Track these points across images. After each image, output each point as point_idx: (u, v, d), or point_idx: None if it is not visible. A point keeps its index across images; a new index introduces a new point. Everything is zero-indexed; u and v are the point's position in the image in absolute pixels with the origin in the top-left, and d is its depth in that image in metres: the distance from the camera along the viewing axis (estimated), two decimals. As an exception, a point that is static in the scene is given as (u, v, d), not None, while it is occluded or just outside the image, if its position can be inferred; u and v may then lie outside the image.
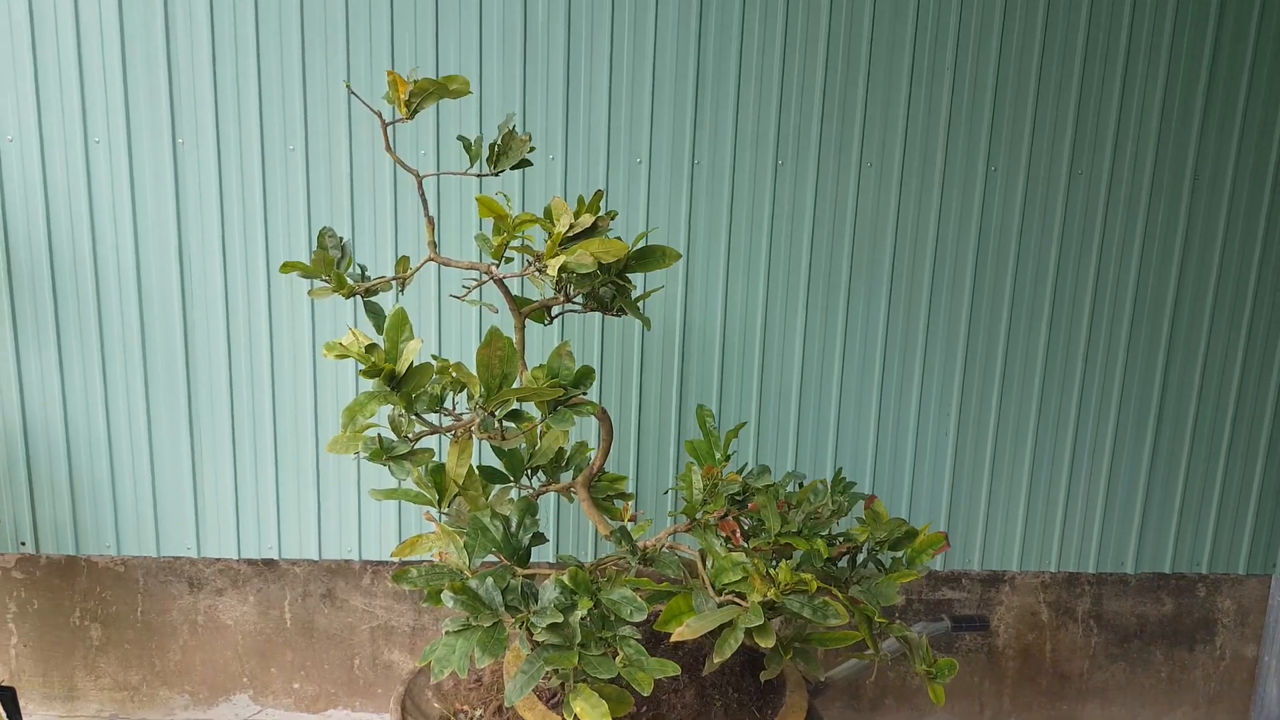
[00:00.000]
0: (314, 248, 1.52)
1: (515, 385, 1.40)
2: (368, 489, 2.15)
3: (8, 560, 2.24)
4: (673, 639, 1.26)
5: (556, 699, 1.47)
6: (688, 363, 2.12)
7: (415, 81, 1.42)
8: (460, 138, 1.52)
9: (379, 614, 2.30)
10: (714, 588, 1.31)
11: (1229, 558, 2.26)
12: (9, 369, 2.06)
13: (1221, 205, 2.09)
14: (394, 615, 2.30)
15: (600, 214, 1.45)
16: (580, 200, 1.46)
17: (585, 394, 1.44)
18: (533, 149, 1.54)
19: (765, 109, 2.01)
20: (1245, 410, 2.20)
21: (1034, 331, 2.14)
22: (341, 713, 2.35)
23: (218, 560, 2.25)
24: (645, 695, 1.40)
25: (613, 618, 1.28)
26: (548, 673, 1.29)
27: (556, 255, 1.40)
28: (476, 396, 1.36)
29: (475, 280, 1.53)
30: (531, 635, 1.29)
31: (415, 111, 1.44)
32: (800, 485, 1.59)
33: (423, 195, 1.51)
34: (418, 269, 1.53)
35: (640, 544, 1.41)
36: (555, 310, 1.61)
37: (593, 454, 1.65)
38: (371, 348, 1.37)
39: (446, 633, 1.30)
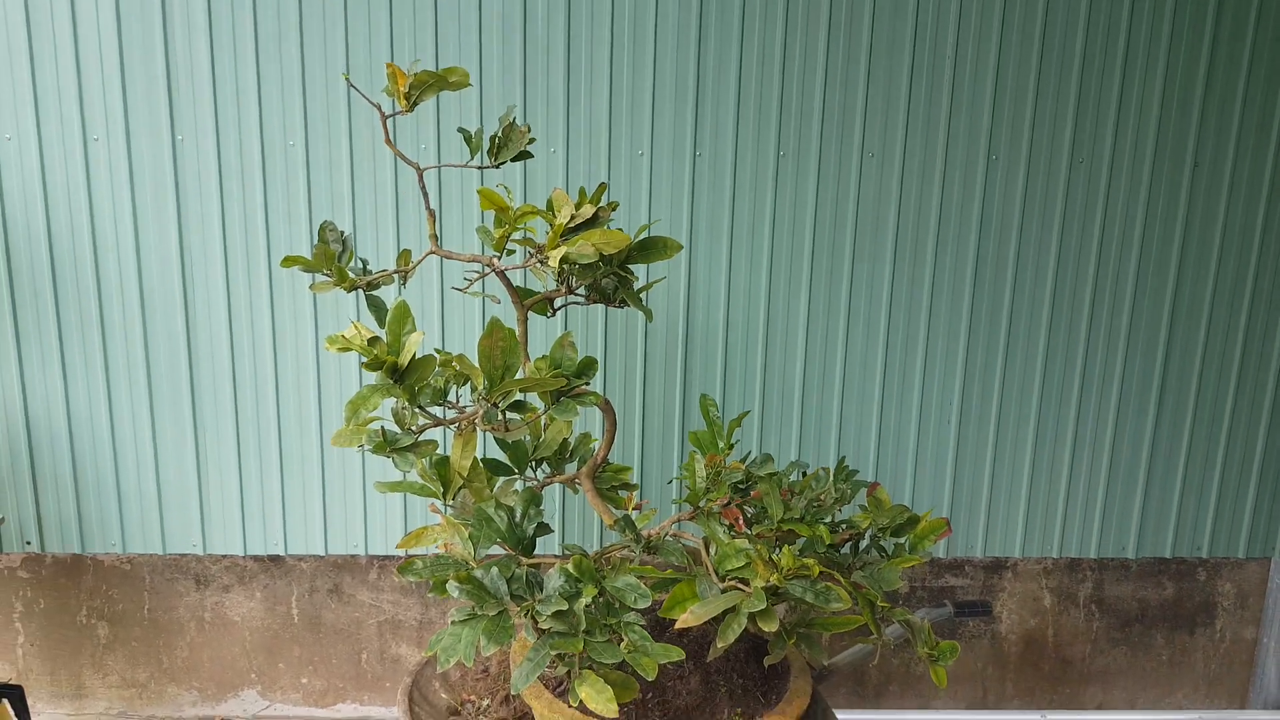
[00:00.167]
0: (315, 242, 1.52)
1: (518, 376, 1.40)
2: (372, 483, 2.16)
3: (13, 560, 2.25)
4: (677, 626, 1.27)
5: (563, 687, 1.48)
6: (691, 353, 2.12)
7: (414, 74, 1.42)
8: (460, 130, 1.53)
9: (386, 608, 2.31)
10: (717, 574, 1.32)
11: (1229, 542, 2.27)
12: (10, 368, 2.06)
13: (1221, 192, 2.10)
14: (401, 609, 2.31)
15: (601, 205, 1.46)
16: (582, 192, 1.46)
17: (588, 385, 1.45)
18: (533, 140, 1.54)
19: (767, 100, 2.02)
20: (1245, 396, 2.20)
21: (1035, 319, 2.14)
22: (350, 706, 2.37)
23: (224, 557, 2.26)
24: (650, 680, 1.41)
25: (617, 605, 1.29)
26: (554, 661, 1.30)
27: (558, 246, 1.41)
28: (479, 388, 1.37)
29: (477, 273, 1.54)
30: (537, 623, 1.29)
31: (415, 104, 1.45)
32: (803, 474, 1.60)
33: (423, 188, 1.52)
34: (419, 262, 1.54)
35: (644, 532, 1.42)
36: (558, 302, 1.61)
37: (597, 445, 1.66)
38: (374, 340, 1.37)
39: (452, 622, 1.31)
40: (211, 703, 2.35)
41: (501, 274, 1.51)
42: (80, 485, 2.13)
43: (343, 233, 1.55)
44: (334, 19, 1.94)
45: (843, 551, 1.50)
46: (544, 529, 1.47)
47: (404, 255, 1.56)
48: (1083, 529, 2.25)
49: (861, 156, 2.05)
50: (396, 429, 1.45)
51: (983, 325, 2.14)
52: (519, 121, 1.75)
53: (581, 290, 1.56)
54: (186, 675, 2.33)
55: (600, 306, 2.08)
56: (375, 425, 1.42)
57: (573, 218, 1.43)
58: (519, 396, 1.40)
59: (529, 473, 1.65)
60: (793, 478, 1.59)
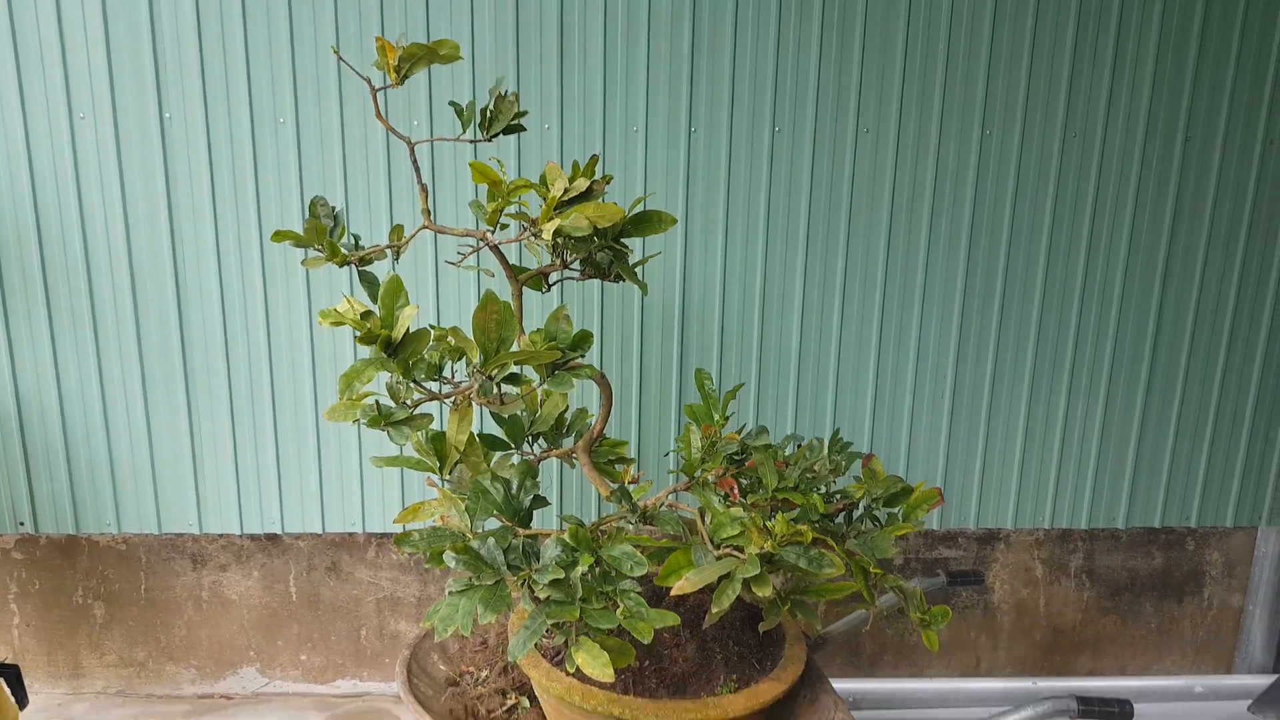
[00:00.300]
0: (306, 218, 1.52)
1: (513, 349, 1.41)
2: (369, 459, 2.16)
3: (7, 541, 2.25)
4: (673, 592, 1.28)
5: (560, 656, 1.49)
6: (687, 328, 2.13)
7: (404, 47, 1.42)
8: (452, 103, 1.52)
9: (385, 585, 2.32)
10: (713, 542, 1.33)
11: (1217, 511, 2.30)
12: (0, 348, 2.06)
13: (1212, 163, 2.10)
14: (400, 586, 2.32)
15: (595, 178, 1.45)
16: (575, 165, 1.46)
17: (583, 358, 1.45)
18: (525, 113, 1.54)
19: (761, 76, 2.01)
20: (1234, 367, 2.22)
21: (1028, 294, 2.15)
22: (349, 683, 2.38)
23: (220, 536, 2.27)
24: (646, 644, 1.42)
25: (614, 573, 1.30)
26: (551, 631, 1.31)
27: (552, 220, 1.40)
28: (474, 361, 1.37)
29: (471, 247, 1.54)
30: (534, 593, 1.31)
31: (405, 77, 1.44)
32: (798, 447, 1.61)
33: (415, 162, 1.51)
34: (411, 237, 1.53)
35: (640, 503, 1.43)
36: (553, 277, 1.61)
37: (593, 420, 1.66)
38: (367, 315, 1.37)
39: (450, 593, 1.32)
40: (210, 680, 2.36)
41: (495, 248, 1.51)
42: (73, 465, 2.13)
43: (334, 208, 1.55)
44: (322, -7, 1.93)
45: (837, 521, 1.52)
46: (540, 501, 1.48)
47: (396, 230, 1.56)
48: (1074, 500, 2.27)
49: (857, 132, 2.05)
50: (391, 403, 1.45)
51: (976, 299, 2.15)
52: (508, 92, 1.74)
53: (576, 265, 1.56)
54: (185, 654, 2.34)
55: (596, 282, 2.08)
56: (370, 400, 1.43)
57: (566, 191, 1.43)
58: (514, 370, 1.41)
59: (525, 448, 1.65)
60: (788, 451, 1.60)
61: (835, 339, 2.15)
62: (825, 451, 1.58)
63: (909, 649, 2.40)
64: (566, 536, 1.32)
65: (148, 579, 2.29)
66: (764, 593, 1.26)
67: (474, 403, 1.45)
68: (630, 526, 1.42)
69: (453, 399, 1.47)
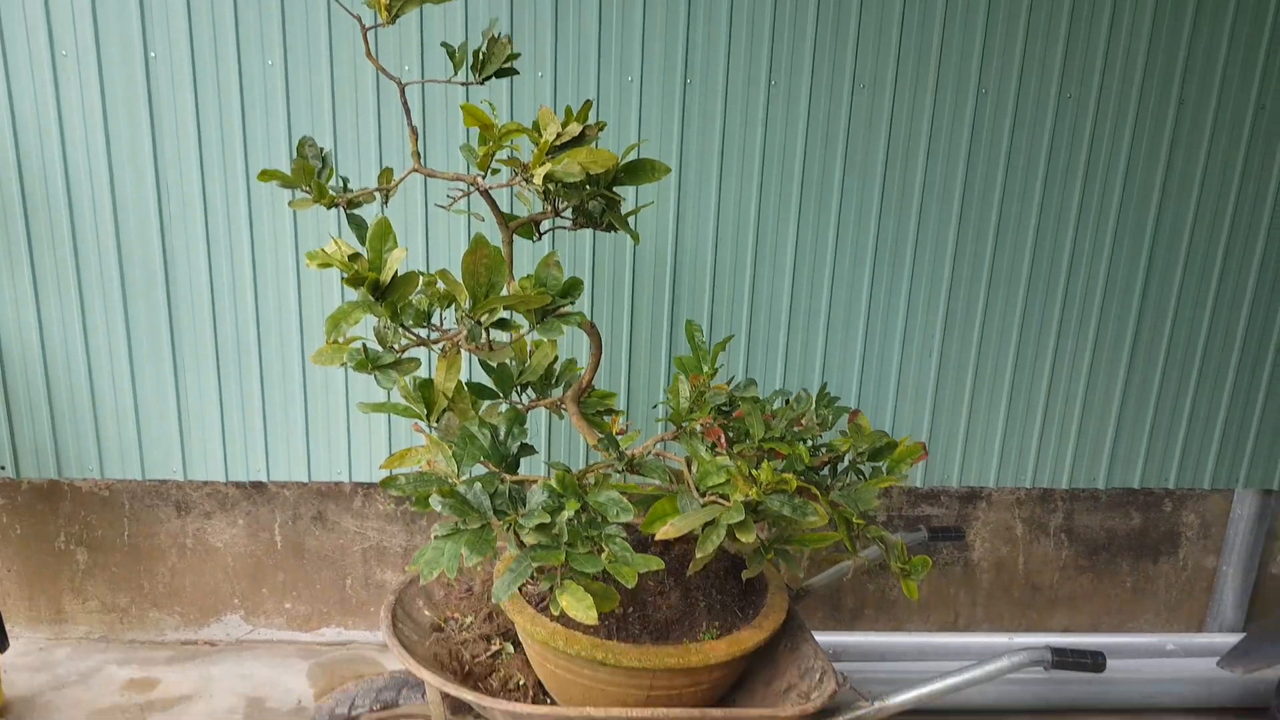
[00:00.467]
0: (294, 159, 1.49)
1: (502, 294, 1.40)
2: (355, 404, 2.16)
3: (-9, 484, 2.24)
4: (657, 537, 1.29)
5: (545, 603, 1.51)
6: (679, 281, 2.12)
7: (396, -16, 1.39)
8: (444, 44, 1.49)
9: (371, 535, 2.33)
10: (698, 490, 1.34)
11: (1195, 473, 2.33)
12: (-16, 290, 2.03)
13: (1205, 128, 2.10)
14: (386, 536, 2.33)
15: (588, 124, 1.44)
16: (568, 110, 1.44)
17: (573, 306, 1.45)
18: (517, 55, 1.51)
19: (758, 29, 1.99)
20: (1218, 331, 2.24)
21: (1018, 256, 2.16)
22: (334, 631, 2.40)
23: (205, 484, 2.26)
24: (630, 590, 1.44)
25: (599, 519, 1.31)
26: (536, 577, 1.32)
27: (543, 164, 1.39)
28: (463, 304, 1.36)
29: (461, 190, 1.52)
30: (519, 538, 1.31)
31: (396, 15, 1.41)
32: (786, 402, 1.62)
33: (405, 104, 1.49)
34: (400, 180, 1.52)
35: (628, 452, 1.44)
36: (544, 226, 1.60)
37: (582, 370, 1.66)
38: (355, 257, 1.36)
39: (435, 537, 1.32)
40: (194, 627, 2.37)
41: (486, 193, 1.49)
42: (55, 409, 2.11)
43: (322, 149, 1.52)
44: (310, -69, 1.88)
45: (821, 474, 1.53)
46: (527, 449, 1.48)
47: (386, 173, 1.54)
48: (1056, 459, 2.30)
49: (853, 88, 2.03)
50: (379, 348, 1.44)
51: (967, 259, 2.15)
52: (501, 34, 1.71)
53: (568, 213, 1.55)
54: (168, 600, 2.34)
55: (587, 233, 2.07)
56: (357, 344, 1.42)
57: (559, 136, 1.41)
58: (504, 316, 1.40)
59: (514, 397, 1.65)
60: (776, 405, 1.61)
61: (826, 294, 2.15)
62: (812, 405, 1.58)
63: (889, 604, 2.44)
64: (553, 482, 1.33)
65: (131, 525, 2.28)
66: (748, 539, 1.27)
67: (463, 349, 1.44)
68: (617, 475, 1.43)
69: (441, 345, 1.46)
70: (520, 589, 1.54)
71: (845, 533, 1.41)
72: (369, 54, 1.45)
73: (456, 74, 1.50)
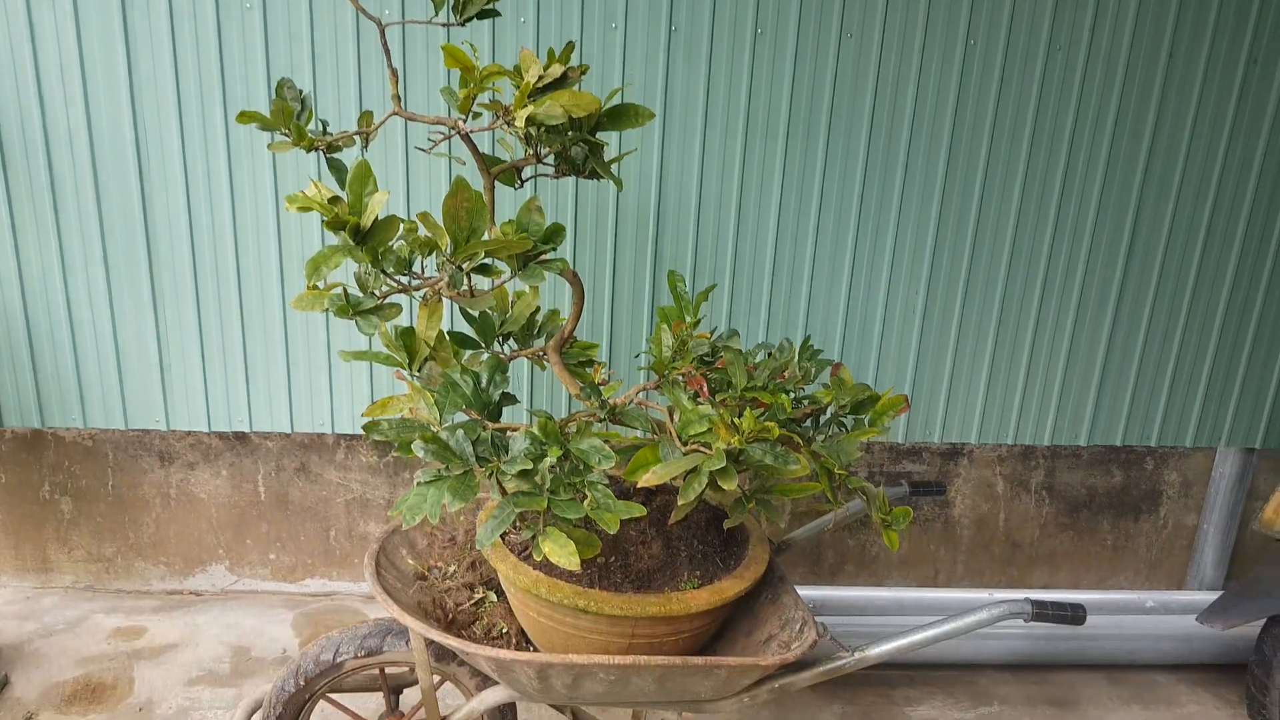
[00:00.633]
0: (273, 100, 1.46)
1: (484, 239, 1.38)
2: (337, 353, 2.14)
3: (-28, 434, 2.22)
4: (639, 485, 1.29)
5: (528, 551, 1.51)
6: (662, 230, 2.10)
7: (374, -82, 1.35)
8: (424, -17, 1.46)
9: (354, 487, 2.33)
10: (680, 439, 1.34)
11: (1178, 431, 2.34)
12: (-41, 236, 2.00)
13: (1194, 85, 2.08)
14: (369, 489, 2.33)
15: (571, 66, 1.41)
16: (550, 53, 1.41)
17: (555, 252, 1.43)
18: (500, -3, 1.48)
19: (742, -29, 1.95)
20: (1202, 290, 2.24)
21: (1004, 210, 2.14)
22: (318, 582, 2.41)
23: (188, 434, 2.25)
24: (612, 539, 1.44)
25: (581, 466, 1.30)
26: (519, 525, 1.32)
27: (525, 106, 1.36)
28: (444, 249, 1.34)
29: (442, 134, 1.49)
30: (502, 485, 1.31)
31: (375, -49, 1.37)
32: (769, 355, 1.61)
33: (385, 45, 1.45)
34: (381, 123, 1.49)
35: (610, 401, 1.43)
36: (526, 172, 1.57)
37: (564, 321, 1.65)
38: (335, 200, 1.34)
39: (418, 484, 1.32)
40: (179, 577, 2.38)
41: (466, 137, 1.46)
42: (37, 358, 2.09)
43: (301, 91, 1.49)
44: None
45: (804, 426, 1.53)
46: (509, 398, 1.47)
47: (366, 116, 1.50)
48: (1038, 416, 2.31)
49: (840, 37, 2.00)
50: (359, 294, 1.42)
51: (952, 212, 2.14)
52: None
53: (550, 159, 1.53)
54: (154, 550, 2.35)
55: (569, 181, 2.04)
56: (338, 290, 1.40)
57: (541, 78, 1.39)
58: (485, 263, 1.38)
59: (496, 347, 1.64)
60: (759, 358, 1.60)
61: (810, 245, 2.14)
62: (795, 357, 1.58)
63: (869, 560, 2.46)
64: (535, 429, 1.32)
65: (115, 475, 2.28)
66: (729, 486, 1.27)
67: (444, 296, 1.43)
68: (599, 425, 1.42)
69: (423, 293, 1.44)
70: (503, 537, 1.54)
71: (827, 483, 1.41)
72: (348, -8, 1.42)
73: (437, 14, 1.46)
